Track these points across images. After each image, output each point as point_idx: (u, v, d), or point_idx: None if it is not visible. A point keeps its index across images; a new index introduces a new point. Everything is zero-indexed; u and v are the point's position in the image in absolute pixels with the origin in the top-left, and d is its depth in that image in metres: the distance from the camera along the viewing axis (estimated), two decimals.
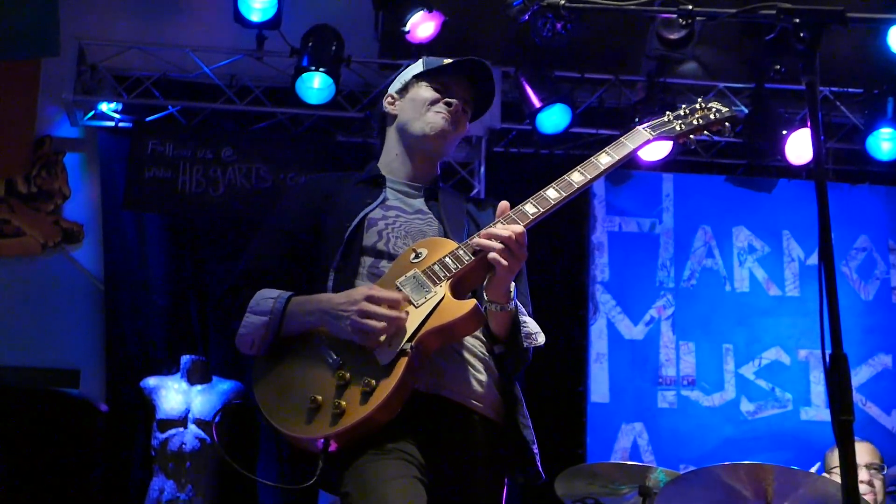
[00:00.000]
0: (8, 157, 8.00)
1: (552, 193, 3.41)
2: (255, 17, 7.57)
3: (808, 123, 2.60)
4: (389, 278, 3.22)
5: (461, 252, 3.21)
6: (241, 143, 8.04)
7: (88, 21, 8.09)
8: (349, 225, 3.35)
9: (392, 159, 3.62)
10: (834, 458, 5.82)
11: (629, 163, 8.15)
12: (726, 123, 3.57)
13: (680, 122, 3.60)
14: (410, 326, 3.10)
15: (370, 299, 3.08)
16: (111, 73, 8.02)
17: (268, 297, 3.23)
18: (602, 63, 8.25)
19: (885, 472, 5.89)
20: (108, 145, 8.09)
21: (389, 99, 3.67)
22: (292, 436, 3.06)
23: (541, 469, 3.36)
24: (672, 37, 7.73)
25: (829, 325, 2.44)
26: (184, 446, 6.86)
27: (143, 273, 7.92)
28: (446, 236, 3.39)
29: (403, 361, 3.05)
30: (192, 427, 6.92)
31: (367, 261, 3.33)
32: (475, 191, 7.99)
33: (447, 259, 3.20)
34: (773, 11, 2.67)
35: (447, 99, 3.54)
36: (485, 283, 3.24)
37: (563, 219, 8.28)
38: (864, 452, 5.64)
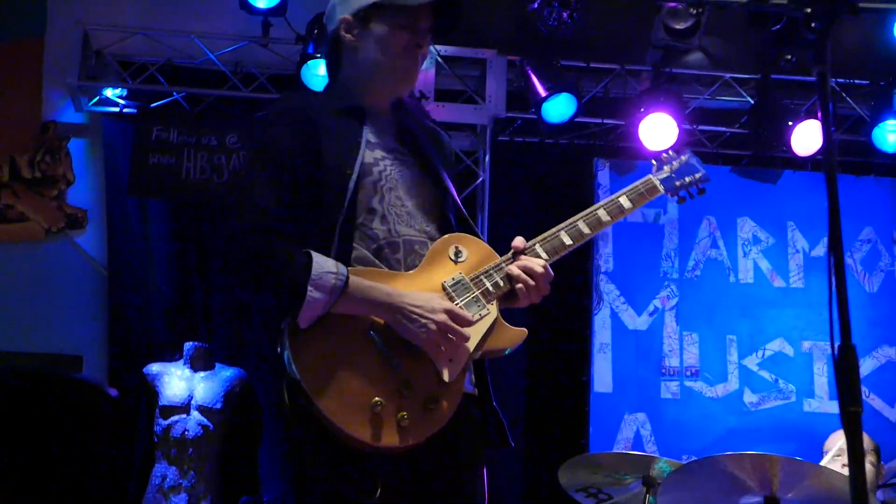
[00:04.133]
0: (13, 136, 8.00)
1: (584, 227, 3.52)
2: (261, 4, 7.56)
3: (819, 114, 2.58)
4: (432, 274, 3.20)
5: (504, 270, 3.28)
6: (245, 130, 8.02)
7: (94, 6, 8.08)
8: (350, 173, 3.20)
9: (357, 86, 3.41)
10: (832, 441, 5.83)
11: (633, 152, 8.18)
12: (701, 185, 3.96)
13: (678, 179, 3.91)
14: (471, 344, 3.14)
15: (451, 314, 3.08)
16: (116, 59, 8.00)
17: (327, 270, 2.98)
18: (608, 53, 8.23)
19: (886, 466, 5.89)
20: (113, 131, 8.08)
21: (346, 26, 3.40)
22: (355, 437, 2.94)
23: (510, 436, 3.39)
24: (678, 27, 7.71)
25: (837, 316, 2.43)
26: (186, 433, 6.86)
27: (147, 259, 7.92)
28: (434, 183, 3.40)
29: (463, 378, 3.11)
30: (195, 414, 6.92)
31: (360, 218, 3.21)
32: (479, 179, 7.98)
33: (495, 276, 3.26)
34: (784, 1, 2.66)
35: (419, 42, 3.36)
36: None
37: (567, 209, 8.29)
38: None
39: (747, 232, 8.19)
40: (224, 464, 7.00)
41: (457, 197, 3.44)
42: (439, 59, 8.02)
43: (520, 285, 3.24)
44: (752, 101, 8.20)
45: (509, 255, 3.32)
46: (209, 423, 6.90)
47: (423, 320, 3.03)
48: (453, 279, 3.20)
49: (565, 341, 8.00)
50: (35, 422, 7.04)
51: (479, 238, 3.35)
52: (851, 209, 8.08)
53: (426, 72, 7.98)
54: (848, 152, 8.41)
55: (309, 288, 2.95)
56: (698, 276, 8.12)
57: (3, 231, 7.91)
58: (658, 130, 7.86)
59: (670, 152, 3.87)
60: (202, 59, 7.98)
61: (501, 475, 7.69)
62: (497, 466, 7.72)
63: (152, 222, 7.97)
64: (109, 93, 8.02)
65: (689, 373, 7.92)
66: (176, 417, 6.90)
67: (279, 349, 3.05)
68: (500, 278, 3.25)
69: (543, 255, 3.35)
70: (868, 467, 5.70)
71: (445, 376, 3.05)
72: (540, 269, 3.26)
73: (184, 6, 8.13)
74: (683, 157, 3.84)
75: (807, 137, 7.87)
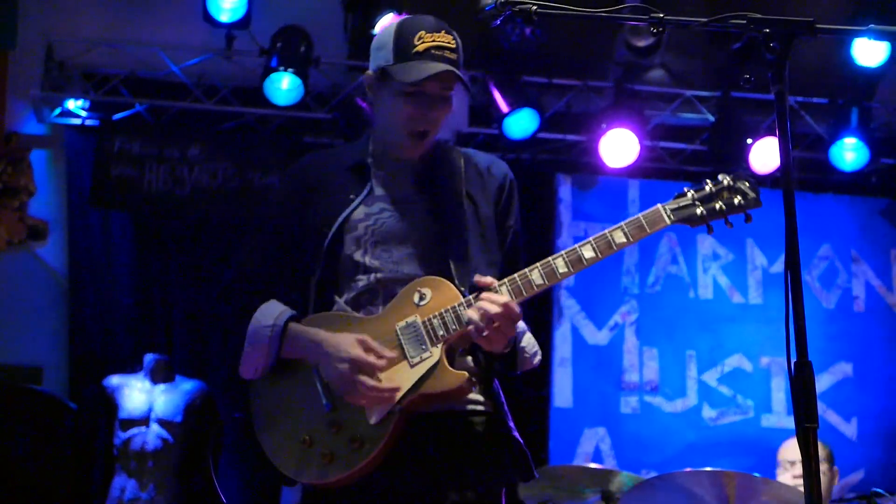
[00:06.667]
0: None
1: (561, 266, 3.21)
2: (224, 17, 7.53)
3: (777, 132, 2.62)
4: (390, 318, 3.15)
5: (460, 311, 3.10)
6: (208, 143, 8.01)
7: (57, 17, 8.04)
8: (328, 232, 3.22)
9: (382, 134, 3.37)
10: (785, 452, 5.85)
11: (595, 168, 8.21)
12: (748, 211, 3.37)
13: (701, 206, 3.35)
14: (403, 385, 3.08)
15: (354, 362, 3.04)
16: (79, 71, 7.97)
17: (263, 325, 3.18)
18: (570, 68, 8.27)
19: (842, 481, 5.93)
20: (75, 143, 8.05)
21: (368, 79, 3.32)
22: (280, 471, 3.15)
23: (533, 466, 3.28)
24: (640, 44, 7.78)
25: (794, 332, 2.46)
26: (146, 445, 6.83)
27: (108, 271, 7.90)
28: (438, 235, 3.26)
29: (392, 421, 3.06)
30: (155, 426, 6.89)
31: (345, 273, 3.24)
32: None
33: (448, 316, 3.10)
34: (744, 21, 2.69)
35: (424, 112, 3.21)
36: None
37: (529, 224, 8.32)
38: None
39: (707, 248, 8.24)
40: (184, 476, 6.97)
41: (468, 241, 3.29)
42: None
43: (470, 327, 3.03)
44: (713, 119, 8.27)
45: (472, 295, 3.12)
46: (169, 436, 6.88)
47: (333, 365, 3.07)
48: (406, 322, 3.12)
49: None
50: None
51: (452, 282, 3.17)
52: (809, 226, 8.15)
53: None
54: (806, 170, 8.48)
55: (246, 347, 3.21)
56: (658, 292, 8.17)
57: None
58: (619, 146, 7.90)
59: (720, 177, 3.37)
60: (165, 72, 7.96)
61: None
62: None
63: (114, 234, 7.95)
64: (72, 104, 7.98)
65: (648, 388, 7.97)
66: (136, 430, 6.88)
67: None
68: (452, 320, 3.09)
69: (506, 294, 3.12)
70: (822, 479, 5.74)
71: (370, 418, 3.07)
72: (497, 309, 3.02)
73: (148, 18, 8.10)
74: (726, 181, 3.35)
75: (766, 155, 7.93)
